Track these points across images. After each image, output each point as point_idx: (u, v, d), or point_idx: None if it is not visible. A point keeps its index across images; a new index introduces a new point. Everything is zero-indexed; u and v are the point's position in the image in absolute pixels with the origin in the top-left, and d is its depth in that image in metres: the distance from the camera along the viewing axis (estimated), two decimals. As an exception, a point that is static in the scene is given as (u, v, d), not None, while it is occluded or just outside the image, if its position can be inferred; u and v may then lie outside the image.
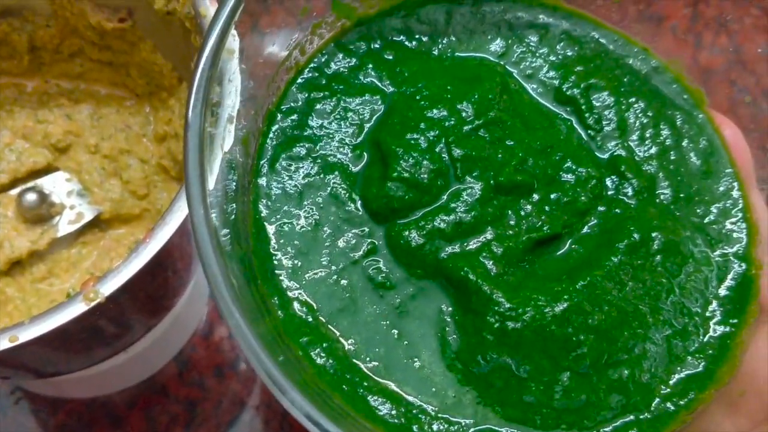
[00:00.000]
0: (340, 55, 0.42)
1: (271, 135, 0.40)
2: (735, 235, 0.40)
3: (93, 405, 0.62)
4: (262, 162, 0.39)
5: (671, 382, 0.37)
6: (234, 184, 0.38)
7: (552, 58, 0.43)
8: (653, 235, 0.38)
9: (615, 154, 0.41)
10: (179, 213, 0.41)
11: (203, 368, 0.64)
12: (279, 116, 0.40)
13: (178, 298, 0.53)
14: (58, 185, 0.57)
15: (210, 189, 0.31)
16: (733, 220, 0.40)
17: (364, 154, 0.40)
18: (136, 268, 0.39)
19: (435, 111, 0.39)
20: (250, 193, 0.38)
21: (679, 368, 0.38)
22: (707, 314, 0.39)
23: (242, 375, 0.64)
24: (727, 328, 0.39)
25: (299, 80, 0.41)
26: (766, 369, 0.38)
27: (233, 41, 0.33)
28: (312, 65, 0.41)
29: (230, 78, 0.33)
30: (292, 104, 0.40)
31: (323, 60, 0.41)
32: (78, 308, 0.38)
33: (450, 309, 0.37)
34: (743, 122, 0.42)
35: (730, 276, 0.39)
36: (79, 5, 0.52)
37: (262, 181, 0.39)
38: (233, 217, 0.37)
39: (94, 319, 0.40)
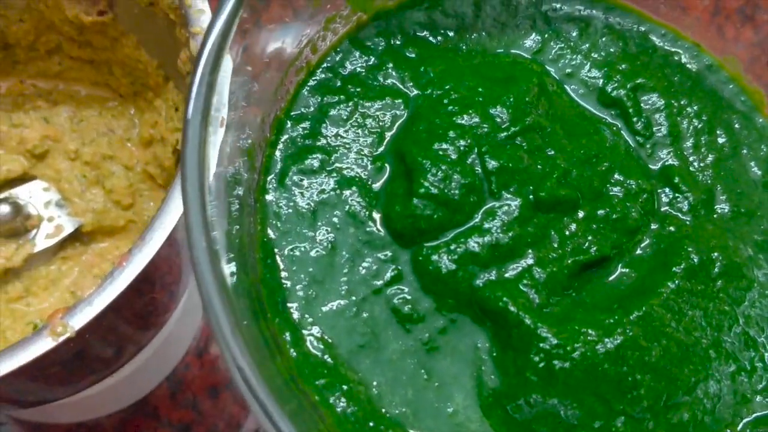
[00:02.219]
0: (357, 53, 0.37)
1: (279, 145, 0.35)
2: None
3: (78, 430, 0.58)
4: (269, 177, 0.34)
5: (738, 427, 0.33)
6: (237, 202, 0.33)
7: (594, 54, 0.38)
8: (713, 256, 0.34)
9: (667, 163, 0.36)
10: (161, 231, 0.36)
11: (197, 389, 0.59)
12: (288, 124, 0.35)
13: (170, 314, 0.48)
14: (34, 195, 0.52)
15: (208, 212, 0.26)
16: None
17: (386, 166, 0.35)
18: (111, 297, 0.35)
19: (465, 117, 0.34)
20: (256, 213, 0.34)
21: (745, 410, 0.33)
22: None
23: (239, 396, 0.60)
24: None
25: (311, 82, 0.36)
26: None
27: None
28: (325, 65, 0.36)
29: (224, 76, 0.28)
30: (303, 110, 0.35)
31: (337, 59, 0.36)
32: (44, 344, 0.34)
33: (487, 345, 0.33)
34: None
35: None
36: (55, -3, 0.48)
37: (271, 198, 0.34)
38: (237, 240, 0.32)
39: (69, 351, 0.35)
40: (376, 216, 0.34)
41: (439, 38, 0.38)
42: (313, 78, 0.36)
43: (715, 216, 0.36)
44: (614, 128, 0.37)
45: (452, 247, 0.33)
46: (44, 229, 0.52)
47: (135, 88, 0.54)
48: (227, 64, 0.30)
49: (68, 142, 0.53)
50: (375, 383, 0.32)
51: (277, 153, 0.35)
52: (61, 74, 0.54)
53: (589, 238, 0.34)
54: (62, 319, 0.34)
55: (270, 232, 0.33)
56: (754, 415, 0.33)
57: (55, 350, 0.34)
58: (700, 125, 0.37)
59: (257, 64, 0.33)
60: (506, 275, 0.33)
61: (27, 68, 0.53)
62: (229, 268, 0.28)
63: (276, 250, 0.33)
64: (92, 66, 0.54)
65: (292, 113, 0.35)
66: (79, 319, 0.34)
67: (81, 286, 0.51)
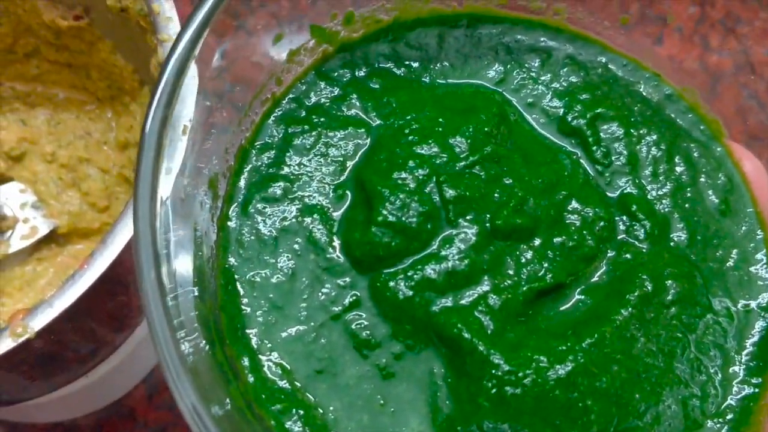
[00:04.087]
0: (322, 84, 0.38)
1: (244, 174, 0.36)
2: (759, 282, 0.36)
3: (55, 430, 0.58)
4: (233, 205, 0.35)
5: None
6: (200, 230, 0.34)
7: (555, 85, 0.39)
8: (667, 283, 0.35)
9: (625, 192, 0.37)
10: (123, 233, 0.37)
11: (175, 392, 0.60)
12: (253, 153, 0.36)
13: (143, 316, 0.49)
14: (10, 197, 0.52)
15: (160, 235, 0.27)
16: (757, 266, 0.37)
17: (347, 194, 0.36)
18: (72, 299, 0.35)
19: (425, 147, 0.35)
20: (219, 240, 0.35)
21: None
22: (728, 373, 0.35)
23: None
24: (750, 389, 0.35)
25: (276, 113, 0.37)
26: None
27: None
28: (290, 96, 0.37)
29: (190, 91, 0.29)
30: (267, 140, 0.37)
31: (302, 90, 0.38)
32: (4, 345, 0.35)
33: (442, 371, 0.34)
34: (752, 131, 0.39)
35: (753, 329, 0.36)
36: (32, 2, 0.49)
37: (233, 225, 0.35)
38: (198, 265, 0.33)
39: (34, 351, 0.37)
40: (336, 243, 0.35)
41: (402, 69, 0.39)
42: (278, 109, 0.37)
43: (671, 244, 0.37)
44: (573, 157, 0.38)
45: (409, 274, 0.34)
46: (19, 230, 0.52)
47: (112, 92, 0.54)
48: (193, 80, 0.32)
49: (45, 144, 0.53)
50: (332, 408, 0.33)
51: (242, 182, 0.36)
52: (39, 77, 0.54)
53: (545, 265, 0.35)
54: (23, 320, 0.35)
55: (231, 258, 0.34)
56: None
57: (18, 350, 0.35)
58: (658, 154, 0.38)
59: (220, 97, 0.34)
60: (462, 302, 0.34)
61: (5, 71, 0.54)
62: (183, 298, 0.29)
63: (237, 277, 0.34)
64: (70, 70, 0.54)
65: (257, 143, 0.36)
66: (40, 321, 0.35)
67: (55, 288, 0.51)
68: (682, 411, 0.34)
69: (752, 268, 0.36)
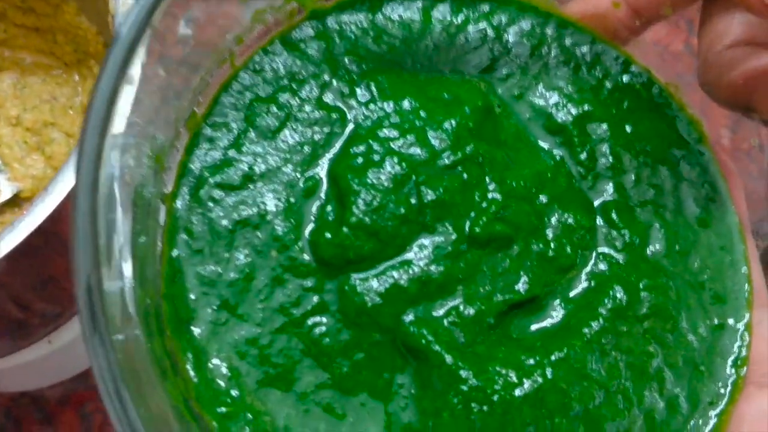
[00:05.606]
0: (290, 58, 0.34)
1: (196, 152, 0.32)
2: (734, 298, 0.35)
3: (21, 400, 0.57)
4: (183, 186, 0.32)
5: None
6: (144, 206, 0.30)
7: (544, 76, 0.36)
8: (642, 296, 0.34)
9: (607, 198, 0.35)
10: (65, 182, 0.36)
11: (143, 363, 0.58)
12: (209, 129, 0.32)
13: None
14: None
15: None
16: (733, 280, 0.36)
17: (317, 187, 0.33)
18: (10, 246, 0.34)
19: (405, 142, 0.32)
20: (165, 225, 0.31)
21: None
22: (699, 390, 0.34)
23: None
24: (721, 405, 0.34)
25: (235, 85, 0.33)
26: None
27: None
28: (252, 66, 0.33)
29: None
30: (225, 116, 0.33)
31: (267, 61, 0.34)
32: None
33: (406, 382, 0.32)
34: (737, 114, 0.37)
35: (726, 346, 0.35)
36: (-7, -36, 0.47)
37: (183, 210, 0.31)
38: (141, 249, 0.29)
39: None
40: (302, 241, 0.32)
41: (383, 46, 0.35)
42: (238, 79, 0.33)
43: (648, 254, 0.35)
44: (557, 158, 0.35)
45: (380, 280, 0.31)
46: (-19, 193, 0.51)
47: (78, 56, 0.53)
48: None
49: (10, 108, 0.52)
50: (284, 415, 0.31)
51: (194, 161, 0.32)
52: (6, 41, 0.54)
53: (522, 275, 0.33)
54: None
55: (179, 247, 0.31)
56: None
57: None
58: (643, 158, 0.36)
59: (172, 50, 0.30)
60: (434, 312, 0.32)
61: (-29, 34, 0.53)
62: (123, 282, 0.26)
63: (184, 269, 0.31)
64: (38, 33, 0.53)
65: (213, 117, 0.32)
66: None
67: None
68: (651, 428, 0.33)
69: (729, 283, 0.35)
